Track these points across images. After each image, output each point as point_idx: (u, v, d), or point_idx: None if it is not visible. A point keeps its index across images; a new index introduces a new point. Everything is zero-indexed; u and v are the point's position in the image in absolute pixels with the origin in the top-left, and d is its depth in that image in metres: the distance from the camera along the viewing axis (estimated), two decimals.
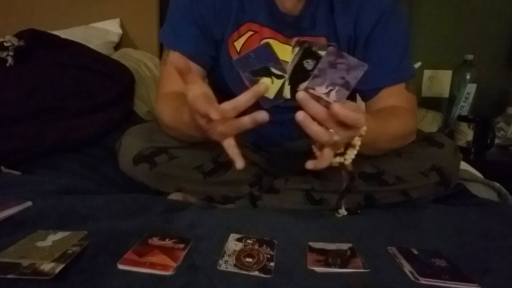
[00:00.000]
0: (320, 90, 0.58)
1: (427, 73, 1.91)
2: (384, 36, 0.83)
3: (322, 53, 0.59)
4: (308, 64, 0.60)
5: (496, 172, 1.10)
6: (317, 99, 0.57)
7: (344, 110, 0.55)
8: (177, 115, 0.72)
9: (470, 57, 1.72)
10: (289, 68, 0.61)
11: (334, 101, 0.57)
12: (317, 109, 0.56)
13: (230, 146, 0.62)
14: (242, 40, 0.86)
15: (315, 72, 0.58)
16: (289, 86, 0.61)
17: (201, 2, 0.84)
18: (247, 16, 0.85)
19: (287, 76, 0.61)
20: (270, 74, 0.61)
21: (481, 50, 1.79)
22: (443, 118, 1.80)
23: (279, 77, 0.61)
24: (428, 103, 1.88)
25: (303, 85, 0.59)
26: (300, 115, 0.57)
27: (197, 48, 0.85)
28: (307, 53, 0.60)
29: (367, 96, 0.86)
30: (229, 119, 0.59)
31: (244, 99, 0.58)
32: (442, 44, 1.86)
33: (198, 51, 0.85)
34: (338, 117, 0.55)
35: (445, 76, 1.88)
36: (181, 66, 0.58)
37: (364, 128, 0.61)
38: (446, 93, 1.87)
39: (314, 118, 0.57)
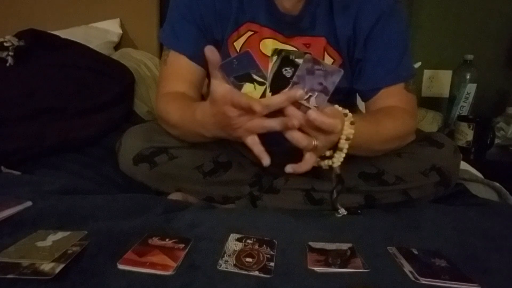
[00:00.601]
0: None
1: (427, 73, 1.91)
2: (383, 36, 0.83)
3: (300, 61, 0.62)
4: (287, 72, 0.63)
5: (496, 172, 1.10)
6: (298, 105, 0.60)
7: (320, 116, 0.57)
8: (187, 113, 0.72)
9: (470, 57, 1.72)
10: (269, 76, 0.63)
11: (315, 106, 0.60)
12: (296, 115, 0.58)
13: (255, 143, 0.63)
14: (242, 40, 0.86)
15: (295, 79, 0.61)
16: (270, 93, 0.63)
17: (201, 2, 0.84)
18: (246, 16, 0.85)
19: (267, 83, 0.63)
20: (252, 80, 0.63)
21: (481, 50, 1.79)
22: (443, 118, 1.80)
23: (261, 83, 0.64)
24: (428, 103, 1.88)
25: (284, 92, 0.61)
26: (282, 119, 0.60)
27: (197, 48, 0.85)
28: (285, 61, 0.62)
29: (367, 96, 0.86)
30: (258, 116, 0.60)
31: (278, 100, 0.59)
32: (442, 44, 1.86)
33: (197, 51, 0.85)
34: (314, 124, 0.57)
35: (445, 76, 1.88)
36: (214, 60, 0.60)
37: (352, 131, 0.63)
38: (446, 93, 1.87)
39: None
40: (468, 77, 1.72)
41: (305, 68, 0.60)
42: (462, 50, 1.78)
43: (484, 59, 1.79)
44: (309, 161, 0.63)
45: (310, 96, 0.60)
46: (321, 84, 0.60)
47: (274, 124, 0.60)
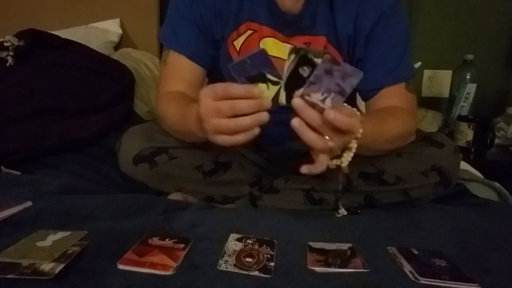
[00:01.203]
0: (316, 97, 0.58)
1: (427, 73, 1.91)
2: (384, 36, 0.83)
3: (318, 60, 0.60)
4: (304, 71, 0.61)
5: (496, 172, 1.10)
6: (313, 105, 0.58)
7: (339, 115, 0.56)
8: (186, 113, 0.72)
9: (470, 57, 1.72)
10: (285, 74, 0.61)
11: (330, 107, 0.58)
12: (313, 115, 0.57)
13: (227, 141, 0.61)
14: (241, 39, 0.86)
15: (311, 79, 0.59)
16: (284, 92, 0.62)
17: (201, 2, 0.84)
18: (246, 15, 0.85)
19: (282, 82, 0.62)
20: (265, 80, 0.62)
21: (481, 50, 1.79)
22: (443, 118, 1.80)
23: (274, 83, 0.62)
24: (428, 103, 1.88)
25: (299, 92, 0.60)
26: (295, 122, 0.58)
27: (197, 48, 0.85)
28: (303, 60, 0.61)
29: (367, 96, 0.86)
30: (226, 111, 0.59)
31: (238, 90, 0.58)
32: (442, 44, 1.86)
33: (198, 51, 0.85)
34: (333, 123, 0.56)
35: (445, 76, 1.88)
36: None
37: (360, 130, 0.62)
38: (446, 93, 1.87)
39: (309, 125, 0.58)
40: (468, 77, 1.72)
41: (323, 68, 0.59)
42: (462, 50, 1.78)
43: (484, 59, 1.79)
44: (323, 162, 0.63)
45: (326, 97, 0.59)
46: (338, 85, 0.59)
47: (248, 121, 0.59)
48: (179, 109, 0.76)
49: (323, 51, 0.61)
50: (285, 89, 0.61)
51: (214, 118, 0.59)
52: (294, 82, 0.61)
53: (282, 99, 0.62)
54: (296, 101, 0.58)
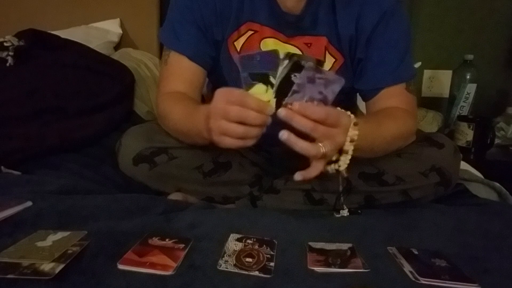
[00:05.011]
0: None
1: (427, 73, 1.91)
2: (385, 36, 0.83)
3: None
4: (295, 77, 0.61)
5: (496, 172, 1.10)
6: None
7: (304, 104, 0.57)
8: (193, 111, 0.72)
9: (470, 57, 1.72)
10: (277, 80, 0.61)
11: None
12: (304, 122, 0.58)
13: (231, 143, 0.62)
14: (242, 39, 0.86)
15: (294, 87, 0.59)
16: (275, 99, 0.61)
17: (201, 2, 0.84)
18: (247, 15, 0.85)
19: (275, 87, 0.61)
20: (267, 82, 0.61)
21: (481, 50, 1.79)
22: (443, 118, 1.80)
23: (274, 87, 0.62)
24: (428, 103, 1.88)
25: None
26: (284, 135, 0.59)
27: (197, 48, 0.85)
28: (296, 66, 0.61)
29: (368, 96, 0.86)
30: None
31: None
32: (442, 44, 1.86)
33: (198, 51, 0.85)
34: (305, 115, 0.57)
35: (445, 76, 1.88)
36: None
37: (356, 133, 0.63)
38: (446, 93, 1.87)
39: (300, 132, 0.59)
40: (468, 77, 1.72)
41: (306, 76, 0.59)
42: (462, 50, 1.78)
43: (484, 59, 1.79)
44: (317, 167, 0.64)
45: None
46: (321, 93, 0.59)
47: (255, 130, 0.60)
48: (185, 108, 0.76)
49: (317, 58, 0.61)
50: (276, 96, 0.61)
51: (221, 119, 0.60)
52: (285, 89, 0.60)
53: (273, 105, 0.61)
54: (283, 112, 0.58)
